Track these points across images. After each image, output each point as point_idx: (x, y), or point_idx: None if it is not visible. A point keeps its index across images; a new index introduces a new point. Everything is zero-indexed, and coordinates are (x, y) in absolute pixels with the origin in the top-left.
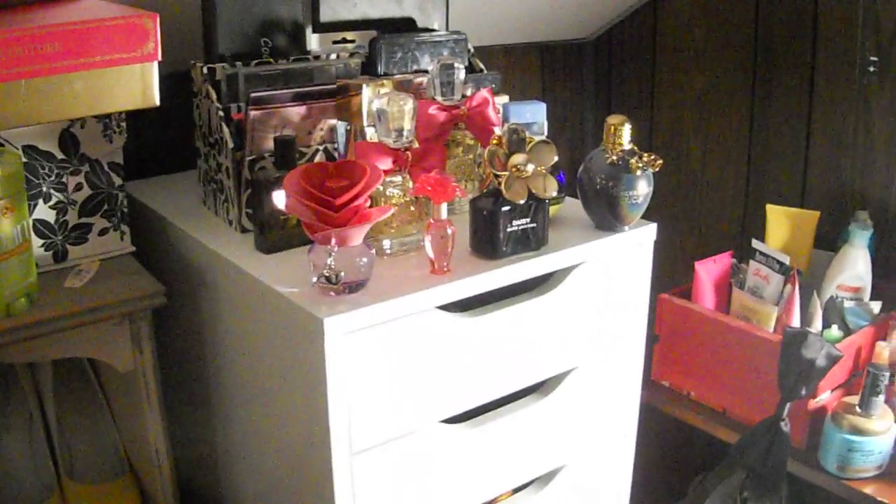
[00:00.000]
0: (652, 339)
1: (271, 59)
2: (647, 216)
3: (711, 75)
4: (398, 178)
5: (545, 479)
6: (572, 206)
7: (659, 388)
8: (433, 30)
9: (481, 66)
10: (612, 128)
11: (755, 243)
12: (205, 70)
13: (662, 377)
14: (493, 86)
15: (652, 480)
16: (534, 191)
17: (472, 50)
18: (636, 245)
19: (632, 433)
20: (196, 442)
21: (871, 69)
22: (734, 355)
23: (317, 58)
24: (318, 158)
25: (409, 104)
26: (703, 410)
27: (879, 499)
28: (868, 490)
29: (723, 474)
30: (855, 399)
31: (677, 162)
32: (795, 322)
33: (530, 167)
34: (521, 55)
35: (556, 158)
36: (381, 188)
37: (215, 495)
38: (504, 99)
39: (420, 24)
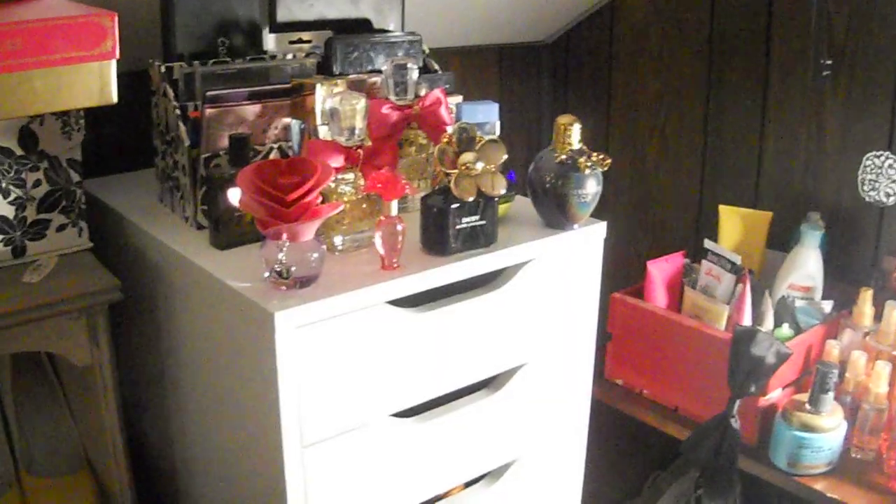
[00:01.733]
0: (605, 338)
1: (228, 59)
2: (602, 216)
3: (666, 78)
4: (350, 176)
5: (497, 473)
6: (523, 205)
7: (612, 386)
8: (389, 31)
9: (436, 66)
10: (562, 127)
11: (708, 243)
12: (163, 69)
13: (615, 375)
14: (447, 86)
15: (607, 478)
16: (482, 189)
17: (427, 51)
18: (585, 243)
19: (583, 429)
20: (153, 435)
21: (825, 73)
22: (686, 353)
23: (273, 57)
24: (272, 156)
25: (360, 103)
26: (655, 408)
27: (829, 495)
28: (818, 486)
29: (677, 472)
30: (805, 397)
31: (633, 163)
32: (746, 321)
33: (479, 165)
34: (479, 57)
35: (505, 157)
36: (333, 185)
37: (172, 489)
38: (458, 99)
39: (376, 25)
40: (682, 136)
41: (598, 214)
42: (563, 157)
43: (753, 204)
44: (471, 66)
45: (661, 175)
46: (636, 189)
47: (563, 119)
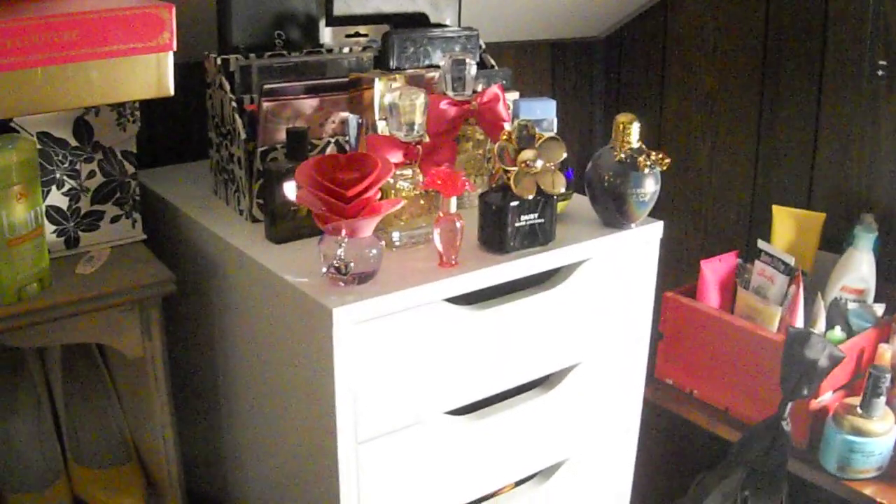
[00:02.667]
0: (656, 337)
1: (284, 52)
2: (654, 214)
3: (721, 75)
4: (409, 172)
5: (547, 472)
6: (580, 203)
7: (662, 386)
8: (445, 25)
9: (492, 62)
10: (622, 125)
11: (761, 244)
12: (218, 61)
13: (666, 375)
14: (504, 82)
15: (653, 477)
16: (542, 187)
17: (484, 46)
18: (642, 243)
19: (634, 429)
20: (203, 429)
21: (880, 73)
22: (737, 354)
23: (329, 51)
24: (329, 151)
25: (420, 98)
26: (705, 409)
27: (879, 500)
28: (868, 491)
29: (723, 473)
30: (856, 400)
31: (685, 161)
32: (799, 322)
33: (539, 163)
34: (533, 52)
35: (564, 155)
36: (392, 181)
37: (221, 483)
38: (515, 95)
39: (432, 20)
40: (735, 134)
41: (651, 213)
42: (622, 155)
43: (807, 205)
44: (524, 61)
45: (714, 173)
46: (688, 187)
47: (622, 117)
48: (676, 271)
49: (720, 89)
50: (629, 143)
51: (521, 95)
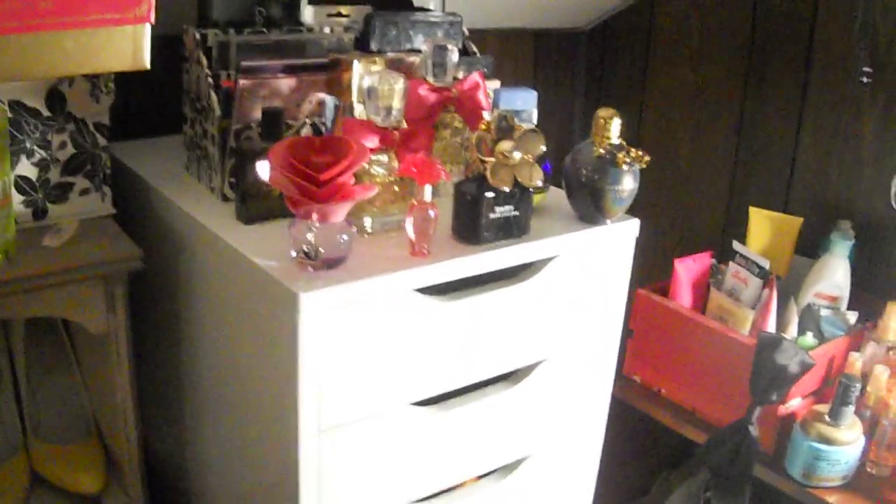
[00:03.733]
0: (626, 334)
1: (264, 29)
2: (631, 210)
3: (704, 73)
4: (384, 158)
5: (510, 467)
6: (556, 196)
7: (629, 383)
8: (428, 9)
9: (475, 49)
10: (602, 121)
11: (736, 245)
12: (197, 36)
13: (634, 372)
14: (486, 70)
15: (617, 475)
16: (519, 179)
17: (467, 33)
18: (617, 240)
19: (600, 427)
20: (165, 409)
21: (864, 80)
22: (707, 355)
23: (310, 30)
24: (304, 132)
25: (399, 83)
26: (672, 408)
27: None
28: (832, 499)
29: (687, 472)
30: (825, 408)
31: (664, 157)
32: (771, 327)
33: (517, 155)
34: (515, 40)
35: (543, 148)
36: (367, 166)
37: (181, 462)
38: (496, 84)
39: (416, 3)
40: (716, 133)
41: (628, 209)
42: (602, 151)
43: (784, 208)
44: (506, 49)
45: (693, 171)
46: (665, 184)
47: (603, 112)
48: (649, 268)
49: (703, 87)
50: (609, 138)
51: (502, 84)
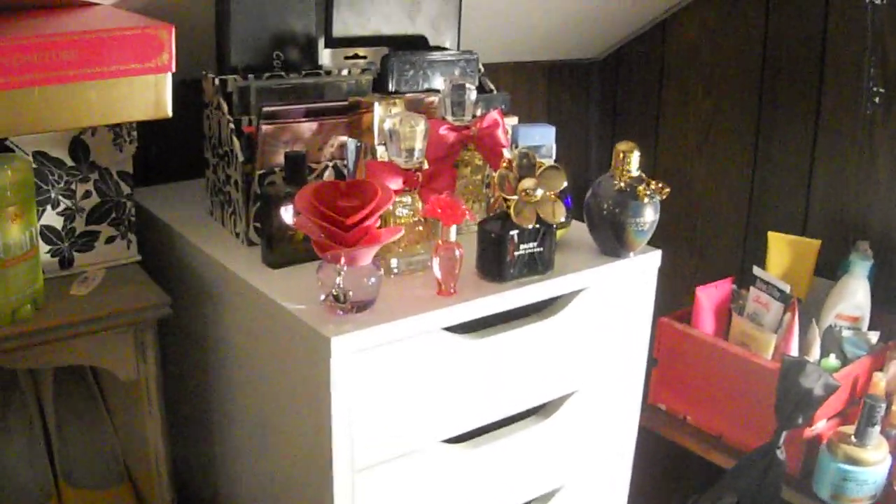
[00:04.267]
0: (650, 362)
1: (283, 73)
2: (650, 240)
3: (717, 99)
4: (408, 199)
5: (542, 499)
6: (578, 230)
7: (655, 411)
8: (445, 48)
9: (491, 86)
10: (621, 154)
11: (756, 270)
12: (216, 81)
13: (659, 400)
14: (504, 106)
15: (647, 502)
16: (542, 216)
17: (483, 70)
18: (640, 271)
19: (629, 455)
20: (196, 454)
21: (877, 100)
22: (732, 381)
23: (328, 73)
24: (327, 175)
25: (420, 125)
26: (698, 435)
27: None
28: None
29: (716, 497)
30: (850, 429)
31: (680, 185)
32: (794, 350)
33: (539, 192)
34: (529, 73)
35: (565, 184)
36: (391, 208)
37: None
38: (514, 120)
39: (432, 42)
40: (731, 158)
41: (658, 240)
42: (622, 184)
43: (802, 231)
44: (519, 82)
45: (709, 198)
46: (683, 211)
47: (622, 146)
48: (670, 296)
49: (716, 114)
50: (629, 171)
51: (518, 119)
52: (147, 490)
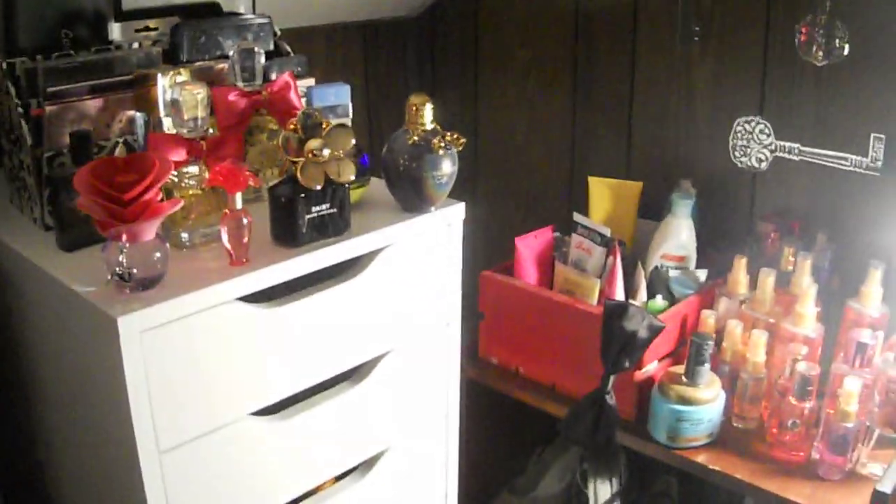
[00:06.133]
0: (478, 317)
1: (72, 52)
2: (473, 194)
3: (534, 49)
4: (194, 169)
5: (368, 464)
6: (380, 189)
7: (488, 366)
8: (238, 13)
9: (288, 49)
10: (414, 107)
11: (576, 216)
12: (4, 65)
13: (490, 354)
14: (299, 69)
15: (489, 458)
16: (330, 176)
17: (279, 32)
18: (445, 225)
19: (454, 412)
20: (20, 459)
21: (696, 38)
22: (559, 330)
23: (118, 48)
24: (117, 151)
25: (201, 92)
26: (532, 386)
27: (711, 467)
28: (700, 459)
29: (561, 447)
30: (682, 369)
31: (502, 137)
32: (619, 294)
33: (326, 152)
34: (344, 35)
35: (353, 142)
36: (177, 180)
37: (40, 494)
38: (310, 82)
39: (226, 9)
40: (551, 108)
41: (468, 191)
42: (416, 138)
43: (627, 174)
44: (336, 45)
45: (532, 148)
46: (507, 163)
47: (414, 99)
48: (499, 250)
49: (534, 63)
50: (423, 124)
51: (332, 81)
52: None
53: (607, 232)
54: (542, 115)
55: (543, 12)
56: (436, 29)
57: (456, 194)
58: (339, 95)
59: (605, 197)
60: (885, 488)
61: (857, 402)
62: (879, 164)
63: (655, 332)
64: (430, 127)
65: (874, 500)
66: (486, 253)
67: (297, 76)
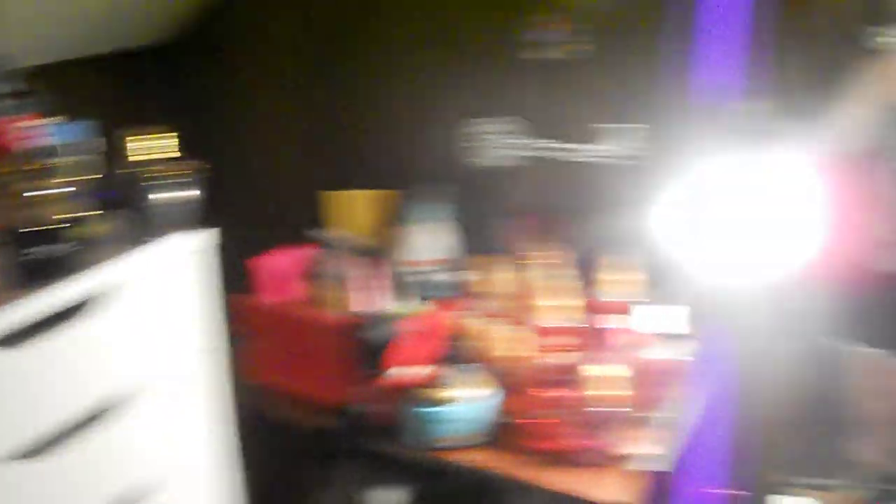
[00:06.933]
0: (237, 341)
1: None
2: (219, 221)
3: (261, 70)
4: None
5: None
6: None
7: (254, 389)
8: None
9: (28, 89)
10: (126, 143)
11: (318, 231)
12: None
13: (253, 377)
14: (43, 108)
15: (281, 481)
16: (46, 216)
17: (22, 71)
18: (189, 253)
19: (230, 439)
20: None
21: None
22: (308, 344)
23: None
24: None
25: None
26: (299, 403)
27: (471, 465)
28: (462, 458)
29: (344, 460)
30: (435, 370)
31: (237, 164)
32: (369, 302)
33: (47, 192)
34: (95, 68)
35: (90, 178)
36: None
37: None
38: (57, 120)
39: None
40: (287, 129)
41: (216, 219)
42: (133, 171)
43: (373, 185)
44: (86, 78)
45: (268, 170)
46: (248, 189)
47: (126, 134)
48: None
49: (261, 83)
50: (134, 156)
51: (83, 115)
52: None
53: (352, 242)
54: (278, 137)
55: (277, 36)
56: (178, 57)
57: (208, 220)
58: (79, 132)
59: (345, 209)
60: (640, 467)
61: (608, 386)
62: (622, 153)
63: (398, 337)
64: (144, 158)
65: (633, 480)
66: (238, 279)
67: (40, 114)
